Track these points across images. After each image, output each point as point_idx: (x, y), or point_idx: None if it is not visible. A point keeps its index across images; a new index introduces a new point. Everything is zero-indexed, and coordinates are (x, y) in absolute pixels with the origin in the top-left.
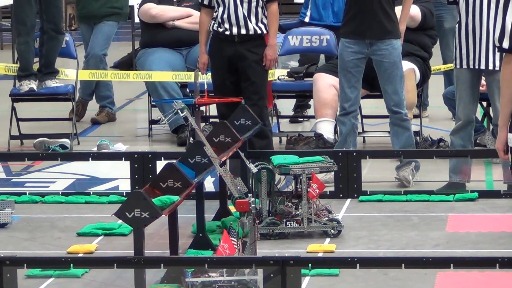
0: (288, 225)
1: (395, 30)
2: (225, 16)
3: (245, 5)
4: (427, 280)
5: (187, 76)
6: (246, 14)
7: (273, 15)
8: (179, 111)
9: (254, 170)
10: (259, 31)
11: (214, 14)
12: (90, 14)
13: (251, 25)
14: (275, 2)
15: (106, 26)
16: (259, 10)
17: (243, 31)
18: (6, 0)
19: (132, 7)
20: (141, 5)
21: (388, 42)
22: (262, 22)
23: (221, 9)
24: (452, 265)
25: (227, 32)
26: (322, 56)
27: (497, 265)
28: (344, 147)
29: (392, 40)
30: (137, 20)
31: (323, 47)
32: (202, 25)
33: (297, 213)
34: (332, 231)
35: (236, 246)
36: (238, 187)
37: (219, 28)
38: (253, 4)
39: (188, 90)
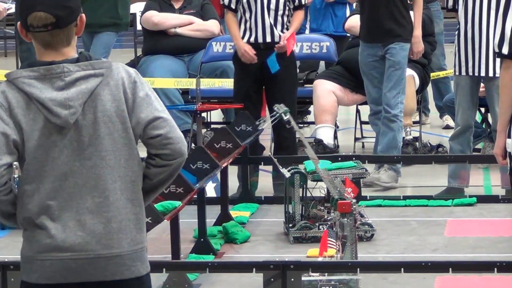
0: (321, 229)
1: (404, 34)
2: (252, 23)
3: (272, 12)
4: (426, 285)
5: (189, 83)
6: (272, 22)
7: (298, 17)
8: (282, 114)
9: (287, 174)
10: None
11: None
12: (90, 23)
13: (277, 32)
14: (302, 9)
15: (105, 35)
16: (285, 18)
17: (269, 39)
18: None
19: (134, 14)
20: (143, 12)
21: (397, 44)
22: (287, 29)
23: (247, 15)
24: (450, 269)
25: (252, 40)
26: (322, 63)
27: (495, 269)
28: None
29: (401, 43)
30: (139, 27)
31: (323, 54)
32: (230, 22)
33: (329, 217)
34: (366, 234)
35: (335, 247)
36: (338, 189)
37: (244, 37)
38: (280, 12)
39: (189, 96)
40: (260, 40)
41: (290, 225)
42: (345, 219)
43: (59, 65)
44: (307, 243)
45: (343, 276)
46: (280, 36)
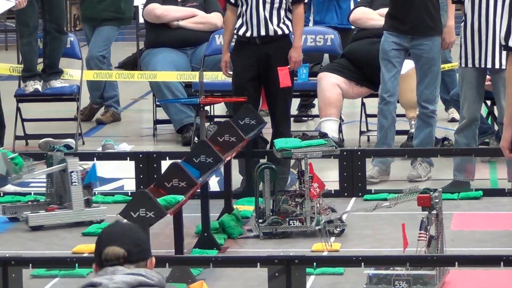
0: (291, 224)
1: (437, 27)
2: (247, 16)
3: (267, 6)
4: None
5: (192, 76)
6: (267, 16)
7: (298, 17)
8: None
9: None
10: (279, 32)
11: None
12: (93, 16)
13: (272, 27)
14: (301, 4)
15: (107, 29)
16: (281, 11)
17: (263, 33)
18: None
19: (136, 7)
20: (145, 5)
21: (429, 38)
22: (284, 23)
23: (243, 8)
24: (457, 263)
25: (248, 34)
26: (326, 56)
27: (502, 263)
28: (385, 141)
29: (434, 37)
30: (141, 20)
31: (328, 47)
32: (227, 23)
33: (300, 212)
34: (335, 230)
35: (423, 239)
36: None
37: (240, 30)
38: (276, 5)
39: (192, 90)
40: (255, 34)
41: (261, 220)
42: (433, 212)
43: None
44: (277, 238)
45: (418, 271)
46: (274, 30)
